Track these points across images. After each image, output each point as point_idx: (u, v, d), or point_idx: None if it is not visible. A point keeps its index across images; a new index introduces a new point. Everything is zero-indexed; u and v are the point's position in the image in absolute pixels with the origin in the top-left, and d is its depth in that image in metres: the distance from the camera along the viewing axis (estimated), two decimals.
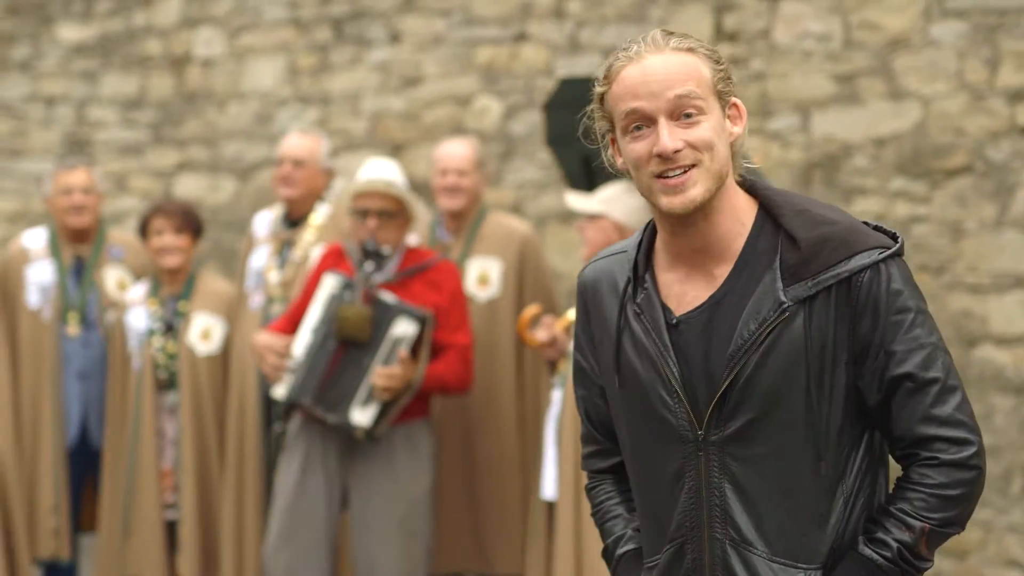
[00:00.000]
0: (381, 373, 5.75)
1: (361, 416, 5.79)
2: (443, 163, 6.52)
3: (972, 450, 2.61)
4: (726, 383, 2.64)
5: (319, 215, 6.59)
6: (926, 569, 2.69)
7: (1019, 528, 6.46)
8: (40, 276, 6.82)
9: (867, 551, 2.64)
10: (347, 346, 5.83)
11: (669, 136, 2.62)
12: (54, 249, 6.89)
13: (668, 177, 2.64)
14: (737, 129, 2.71)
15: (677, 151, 2.62)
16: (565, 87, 5.90)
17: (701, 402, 2.67)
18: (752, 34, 7.18)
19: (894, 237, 2.68)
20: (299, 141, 6.70)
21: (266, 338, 5.96)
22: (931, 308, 6.83)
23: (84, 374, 6.82)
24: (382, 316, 5.81)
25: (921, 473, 2.62)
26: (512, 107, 8.01)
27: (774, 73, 7.10)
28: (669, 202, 2.64)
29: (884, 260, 2.62)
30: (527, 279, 6.48)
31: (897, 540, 2.63)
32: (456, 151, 6.55)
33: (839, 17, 6.93)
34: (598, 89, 2.74)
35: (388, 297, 5.81)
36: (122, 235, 7.29)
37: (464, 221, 6.55)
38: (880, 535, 2.64)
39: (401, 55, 8.37)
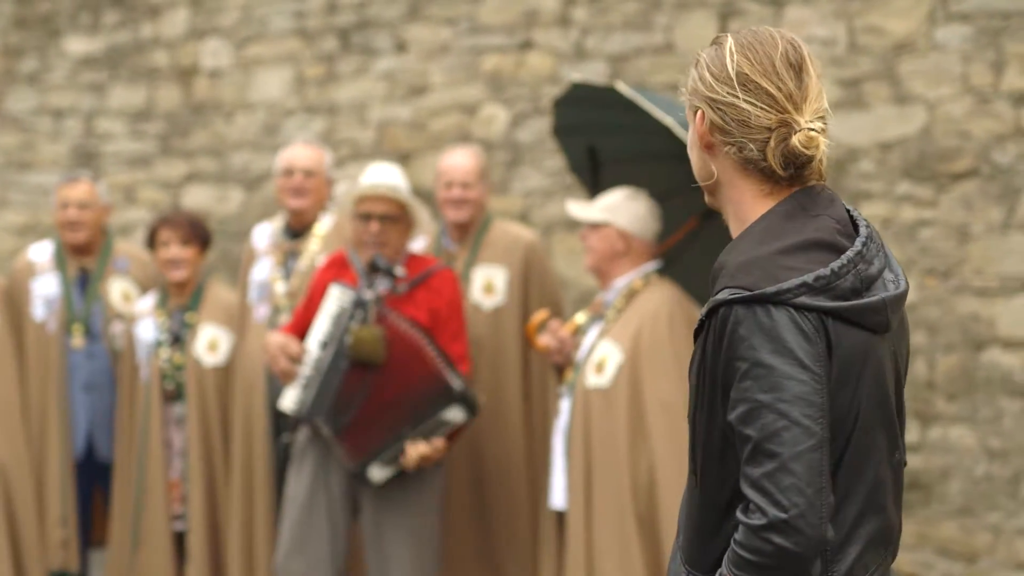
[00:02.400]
0: (418, 448, 5.74)
1: (378, 474, 5.80)
2: (448, 175, 6.50)
3: (762, 521, 2.49)
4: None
5: (323, 225, 6.59)
6: None
7: None
8: (45, 289, 6.83)
9: None
10: (360, 368, 5.82)
11: None
12: (59, 262, 6.90)
13: None
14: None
15: None
16: (576, 88, 5.93)
17: None
18: None
19: (805, 286, 2.55)
20: (308, 152, 6.68)
21: (280, 338, 5.95)
22: (938, 312, 6.81)
23: (89, 386, 6.83)
24: (442, 396, 5.77)
25: (737, 524, 2.58)
26: (519, 115, 8.01)
27: None
28: None
29: (741, 302, 2.55)
30: (532, 287, 6.48)
31: None
32: (460, 163, 6.52)
33: (844, 22, 6.92)
34: None
35: (457, 383, 5.76)
36: (128, 247, 7.28)
37: (469, 230, 6.54)
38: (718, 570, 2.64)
39: (407, 64, 8.38)
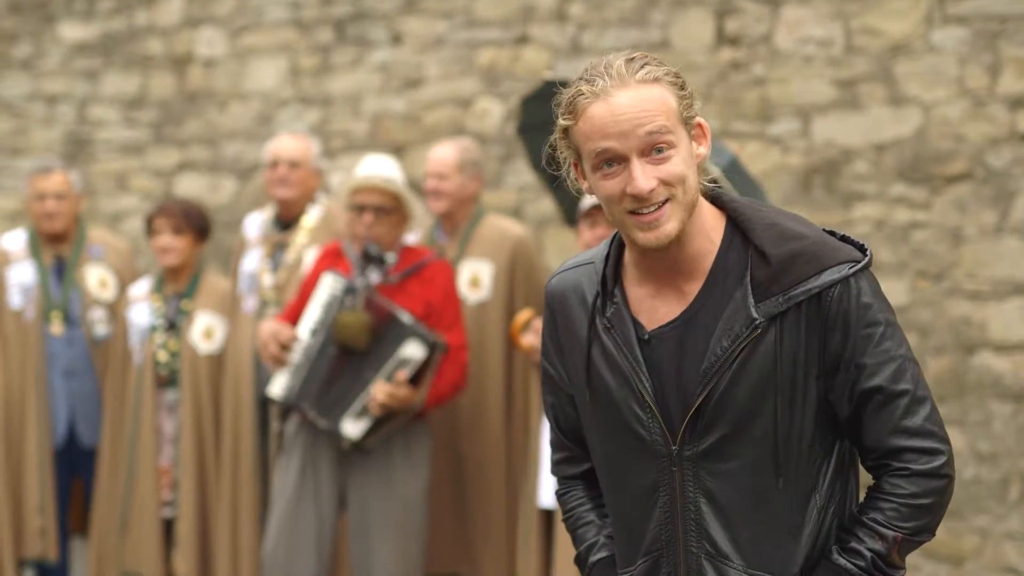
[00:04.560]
0: (381, 388, 5.73)
1: (352, 428, 5.78)
2: (427, 167, 6.55)
3: (942, 460, 2.65)
4: (700, 399, 2.65)
5: (311, 216, 6.58)
6: None
7: (1016, 535, 6.45)
8: (21, 277, 6.84)
9: (841, 560, 2.66)
10: (347, 352, 5.82)
11: (643, 177, 2.61)
12: (34, 250, 6.92)
13: (642, 214, 2.63)
14: (702, 150, 2.71)
15: (652, 190, 2.62)
16: (548, 87, 5.90)
17: (675, 418, 2.68)
18: (753, 39, 7.17)
19: (862, 249, 2.69)
20: (293, 143, 6.69)
21: (272, 325, 5.94)
22: (929, 315, 6.82)
23: (69, 372, 6.83)
24: (394, 334, 5.78)
25: (893, 483, 2.65)
26: (513, 109, 7.99)
27: (775, 78, 7.09)
28: (644, 238, 2.65)
29: (854, 274, 2.64)
30: (518, 282, 6.46)
31: (871, 550, 2.65)
32: (437, 155, 6.54)
33: (840, 22, 6.92)
34: (562, 122, 2.72)
35: (405, 317, 5.78)
36: (102, 234, 7.29)
37: (459, 223, 6.54)
38: (854, 544, 2.66)
39: (402, 56, 8.36)
